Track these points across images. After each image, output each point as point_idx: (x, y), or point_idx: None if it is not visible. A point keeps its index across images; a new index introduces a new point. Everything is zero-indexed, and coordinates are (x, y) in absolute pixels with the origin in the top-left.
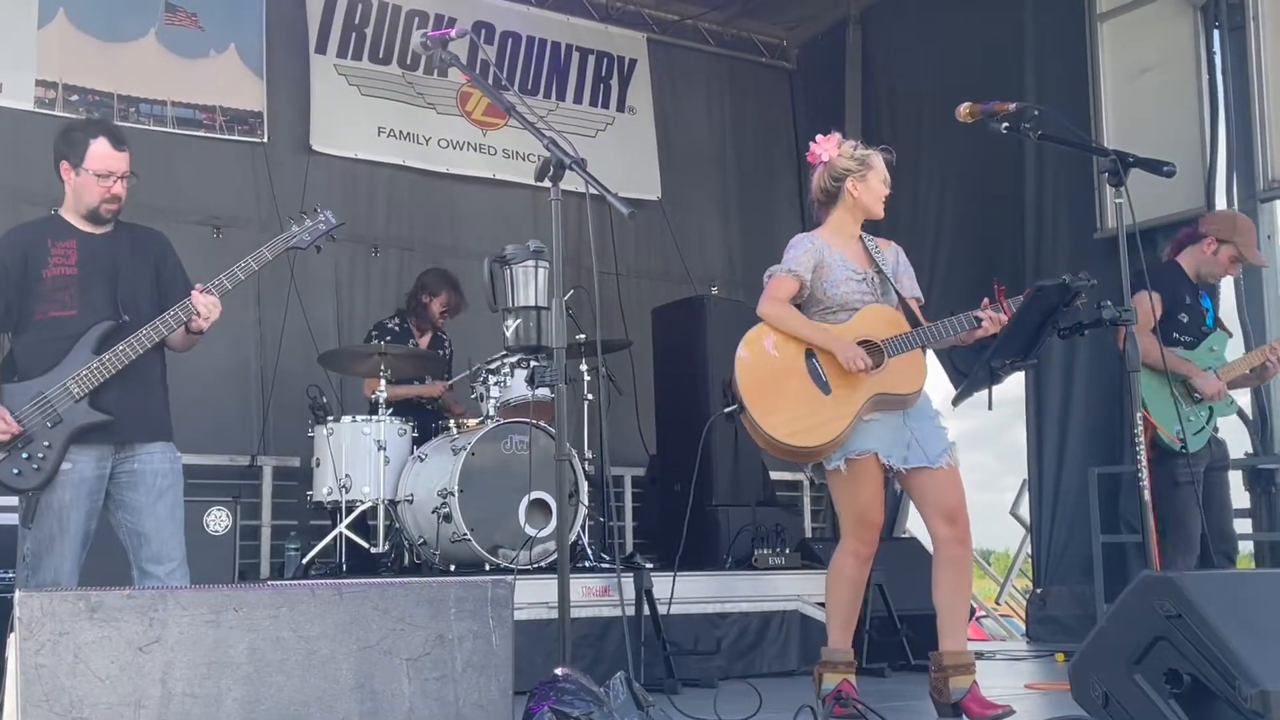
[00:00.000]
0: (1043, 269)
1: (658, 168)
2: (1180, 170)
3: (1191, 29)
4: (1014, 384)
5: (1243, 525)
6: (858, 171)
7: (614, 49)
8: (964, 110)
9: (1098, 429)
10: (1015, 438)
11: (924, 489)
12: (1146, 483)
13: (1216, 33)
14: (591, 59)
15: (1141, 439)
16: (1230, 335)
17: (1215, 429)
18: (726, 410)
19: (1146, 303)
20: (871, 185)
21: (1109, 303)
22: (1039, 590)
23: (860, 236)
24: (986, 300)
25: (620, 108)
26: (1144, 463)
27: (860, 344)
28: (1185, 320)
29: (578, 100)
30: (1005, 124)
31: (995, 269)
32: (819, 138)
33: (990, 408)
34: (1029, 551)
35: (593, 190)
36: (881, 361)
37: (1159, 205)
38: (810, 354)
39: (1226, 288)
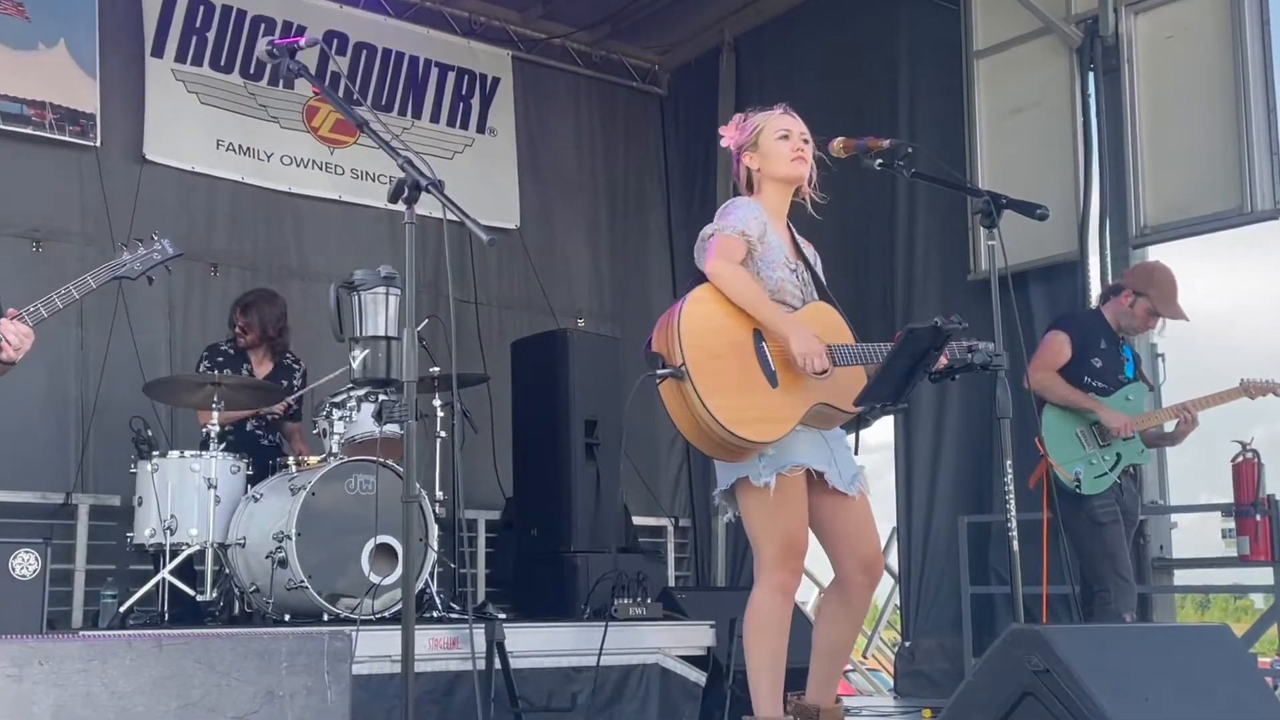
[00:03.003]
0: (914, 311)
1: (518, 195)
2: (1054, 214)
3: (1067, 70)
4: (883, 429)
5: None
6: (748, 142)
7: (476, 66)
8: (837, 145)
9: (968, 476)
10: (884, 485)
11: (838, 522)
12: (1015, 531)
13: (1091, 75)
14: (451, 76)
15: (1011, 489)
16: (1151, 389)
17: (1127, 476)
18: (660, 372)
19: (1055, 342)
20: (766, 148)
21: (980, 346)
22: (907, 643)
23: (789, 224)
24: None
25: (481, 129)
26: (1011, 511)
27: None
28: (1099, 365)
29: (435, 119)
30: (879, 160)
31: (865, 310)
32: (722, 128)
33: (856, 452)
34: (897, 603)
35: (450, 215)
36: (829, 369)
37: (1032, 248)
38: (759, 336)
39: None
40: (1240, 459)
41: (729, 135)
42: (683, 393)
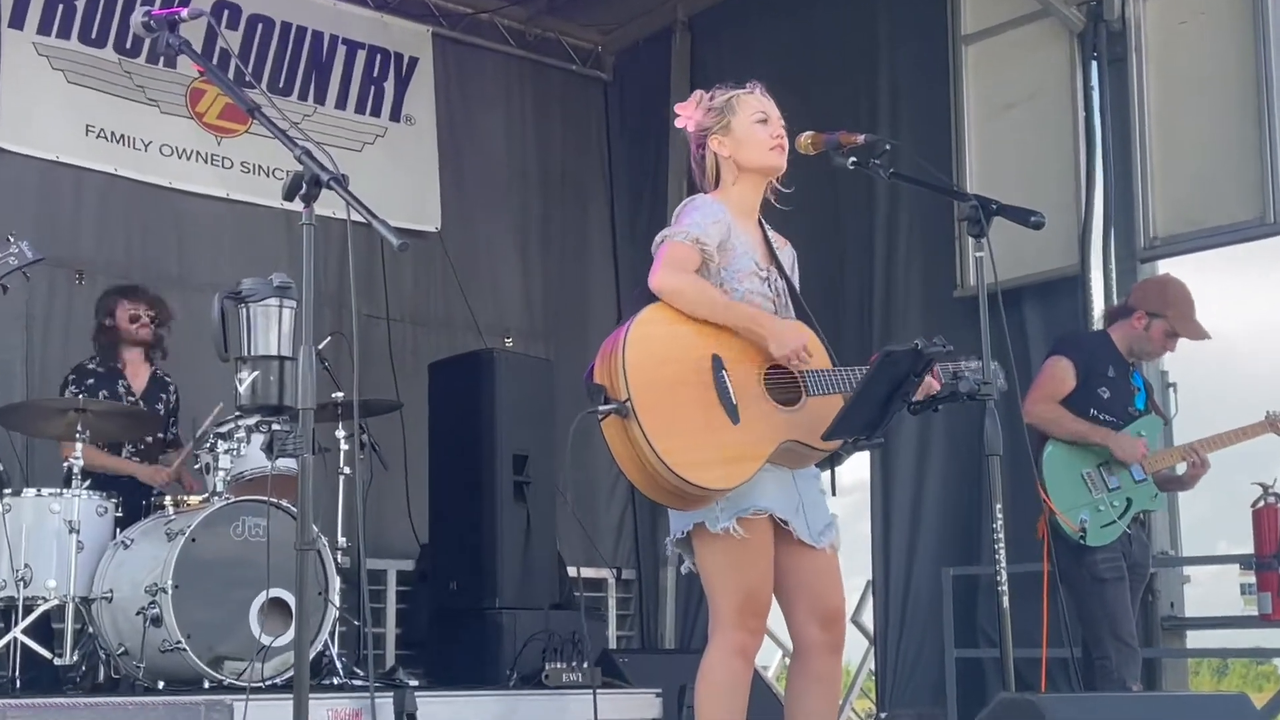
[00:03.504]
0: (893, 331)
1: (439, 192)
2: (1051, 222)
3: (1068, 59)
4: (858, 467)
5: None
6: (717, 125)
7: (390, 44)
8: (805, 140)
9: (954, 522)
10: (859, 531)
11: (799, 574)
12: (1005, 586)
13: (1095, 65)
14: (361, 55)
15: (1002, 537)
16: (1166, 422)
17: (1136, 524)
18: (602, 409)
19: (1057, 369)
20: (739, 132)
21: (967, 372)
22: (883, 714)
23: (760, 221)
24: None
25: (395, 116)
26: (1001, 562)
27: (772, 370)
28: (1107, 396)
29: (341, 105)
30: (852, 159)
31: (838, 329)
32: (679, 106)
33: (834, 494)
34: (872, 667)
35: (357, 215)
36: (800, 399)
37: (1027, 261)
38: (719, 364)
39: None
40: (1261, 504)
41: (688, 114)
42: (628, 433)
